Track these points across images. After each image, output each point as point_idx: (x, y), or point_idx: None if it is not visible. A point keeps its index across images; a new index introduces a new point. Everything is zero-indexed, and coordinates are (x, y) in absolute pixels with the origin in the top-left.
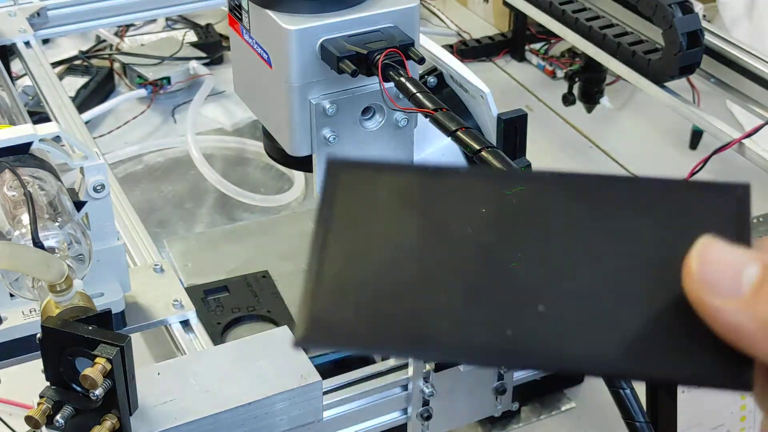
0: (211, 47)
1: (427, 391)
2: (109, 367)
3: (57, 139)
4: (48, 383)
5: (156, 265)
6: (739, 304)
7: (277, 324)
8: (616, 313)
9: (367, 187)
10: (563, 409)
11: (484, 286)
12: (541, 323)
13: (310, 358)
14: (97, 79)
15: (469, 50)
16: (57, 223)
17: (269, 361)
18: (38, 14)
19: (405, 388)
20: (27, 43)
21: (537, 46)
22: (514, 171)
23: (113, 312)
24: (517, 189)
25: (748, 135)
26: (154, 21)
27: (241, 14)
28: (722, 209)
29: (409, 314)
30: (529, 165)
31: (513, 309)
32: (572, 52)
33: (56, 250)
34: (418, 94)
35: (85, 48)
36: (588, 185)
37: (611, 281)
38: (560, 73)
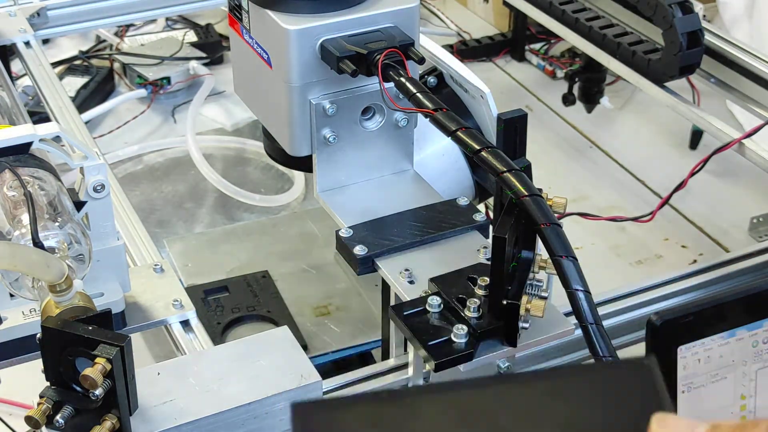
0: (211, 47)
1: None
2: (109, 367)
3: (57, 139)
4: (48, 383)
5: (156, 265)
6: None
7: (277, 324)
8: None
9: (334, 425)
10: None
11: None
12: None
13: (310, 358)
14: (97, 79)
15: (469, 50)
16: (57, 223)
17: (269, 361)
18: (38, 14)
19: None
20: (27, 43)
21: (537, 46)
22: (453, 384)
23: (113, 312)
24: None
25: (748, 135)
26: (154, 21)
27: (241, 14)
28: (639, 385)
29: None
30: (529, 165)
31: None
32: (572, 52)
33: (56, 250)
34: (418, 94)
35: (85, 48)
36: (526, 385)
37: None
38: (560, 73)
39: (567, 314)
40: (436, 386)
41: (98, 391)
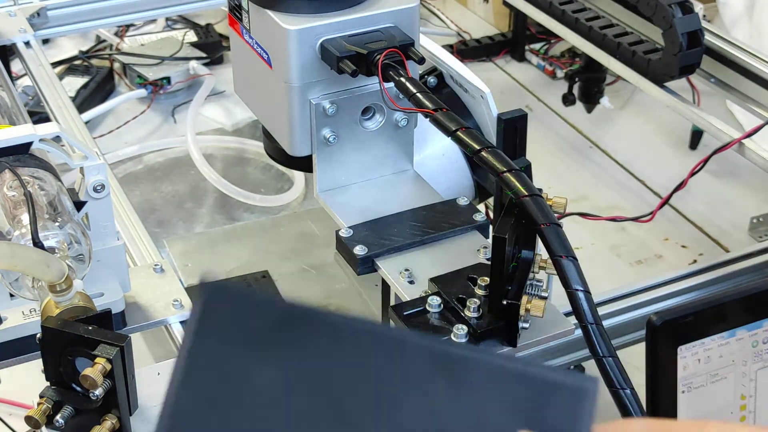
0: (211, 47)
1: None
2: (109, 367)
3: (57, 139)
4: (48, 383)
5: (156, 265)
6: None
7: None
8: None
9: (238, 323)
10: None
11: None
12: None
13: None
14: (97, 79)
15: (469, 50)
16: (57, 223)
17: None
18: (38, 14)
19: None
20: (27, 43)
21: (537, 46)
22: (381, 331)
23: (113, 312)
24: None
25: (748, 135)
26: (154, 21)
27: (241, 14)
28: (570, 405)
29: None
30: (529, 165)
31: None
32: (572, 52)
33: (56, 250)
34: (418, 94)
35: (85, 48)
36: (453, 359)
37: None
38: (560, 73)
39: (567, 314)
40: (366, 327)
41: (98, 391)
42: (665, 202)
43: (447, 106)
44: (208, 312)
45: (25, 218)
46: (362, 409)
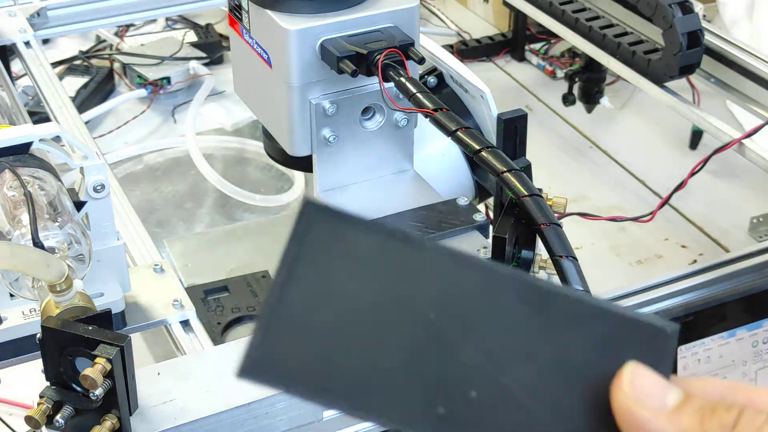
0: (211, 47)
1: None
2: (109, 367)
3: (57, 139)
4: (48, 383)
5: (156, 265)
6: (665, 416)
7: None
8: (538, 416)
9: (340, 238)
10: None
11: (428, 361)
12: (469, 409)
13: None
14: (97, 79)
15: (469, 50)
16: (57, 223)
17: None
18: (38, 14)
19: None
20: (27, 43)
21: (537, 46)
22: (480, 261)
23: (113, 312)
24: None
25: (748, 135)
26: (154, 21)
27: (241, 14)
28: (652, 345)
29: (355, 373)
30: (529, 165)
31: (448, 389)
32: (572, 52)
33: (56, 250)
34: (418, 94)
35: (85, 48)
36: (540, 293)
37: (540, 387)
38: (560, 73)
39: None
40: (459, 254)
41: (98, 391)
42: (665, 202)
43: (447, 106)
44: (310, 229)
45: (25, 218)
46: (452, 330)
